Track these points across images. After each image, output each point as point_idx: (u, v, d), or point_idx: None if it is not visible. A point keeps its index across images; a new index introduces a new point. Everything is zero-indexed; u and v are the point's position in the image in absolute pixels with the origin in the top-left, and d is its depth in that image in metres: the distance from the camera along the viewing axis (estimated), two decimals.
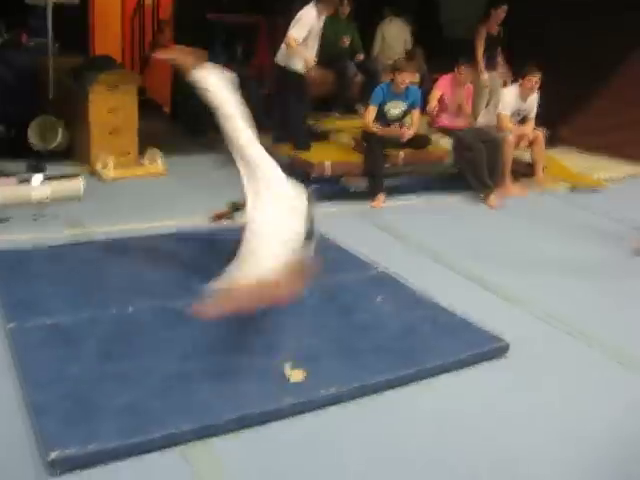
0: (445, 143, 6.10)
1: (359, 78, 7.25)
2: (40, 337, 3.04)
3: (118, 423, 2.45)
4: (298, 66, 5.77)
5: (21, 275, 3.65)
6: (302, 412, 2.69)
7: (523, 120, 6.30)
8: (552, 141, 6.82)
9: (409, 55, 7.51)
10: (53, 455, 2.25)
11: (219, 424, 2.53)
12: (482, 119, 6.41)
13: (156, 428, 2.44)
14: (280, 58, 5.89)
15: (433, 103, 6.25)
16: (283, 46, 5.83)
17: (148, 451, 2.39)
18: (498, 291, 3.98)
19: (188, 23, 8.06)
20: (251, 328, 3.18)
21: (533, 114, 6.29)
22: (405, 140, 5.74)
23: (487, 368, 3.16)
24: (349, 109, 7.27)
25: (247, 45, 8.88)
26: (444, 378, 3.03)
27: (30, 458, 2.34)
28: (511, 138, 6.02)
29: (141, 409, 2.54)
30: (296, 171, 5.59)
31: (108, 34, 8.80)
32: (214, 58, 8.12)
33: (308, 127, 6.24)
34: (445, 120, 6.24)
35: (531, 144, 6.30)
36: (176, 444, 2.44)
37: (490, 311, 3.67)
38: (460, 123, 6.22)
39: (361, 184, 5.59)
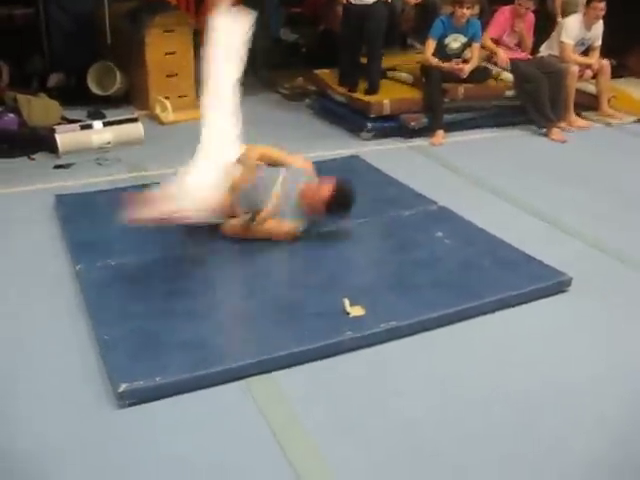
0: (506, 76, 5.92)
1: (410, 12, 7.05)
2: (107, 277, 3.13)
3: (183, 357, 2.53)
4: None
5: (87, 218, 3.74)
6: (362, 346, 2.72)
7: (587, 50, 6.07)
8: (618, 71, 6.54)
9: None
10: (122, 387, 2.35)
11: (281, 357, 2.57)
12: (544, 49, 6.19)
13: (220, 361, 2.51)
14: None
15: (488, 43, 5.96)
16: None
17: (212, 384, 2.46)
18: (561, 225, 3.90)
19: None
20: (308, 265, 3.22)
21: (598, 43, 6.04)
22: (465, 75, 5.61)
23: (549, 302, 3.12)
24: (404, 45, 7.12)
25: None
26: (505, 312, 3.01)
27: (101, 391, 2.44)
28: (575, 69, 5.81)
29: (205, 344, 2.61)
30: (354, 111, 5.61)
31: None
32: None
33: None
34: (505, 53, 6.01)
35: (596, 75, 6.07)
36: (240, 377, 2.50)
37: (553, 245, 3.62)
38: (520, 55, 6.01)
39: (421, 121, 5.50)
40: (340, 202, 3.41)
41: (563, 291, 3.20)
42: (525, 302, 3.08)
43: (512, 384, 2.57)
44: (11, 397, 2.43)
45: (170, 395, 2.40)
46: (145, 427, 2.30)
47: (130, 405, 2.36)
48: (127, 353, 2.55)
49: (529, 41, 6.09)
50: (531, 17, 6.00)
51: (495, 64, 5.94)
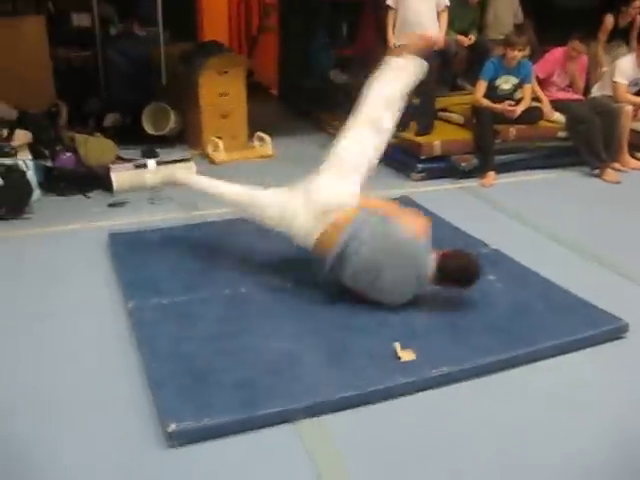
0: (558, 117, 5.87)
1: (462, 53, 7.07)
2: (158, 315, 3.15)
3: (232, 398, 2.52)
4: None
5: (139, 256, 3.79)
6: (413, 391, 2.67)
7: None
8: None
9: (519, 29, 7.25)
10: (171, 427, 2.35)
11: (331, 401, 2.55)
12: (597, 90, 6.13)
13: (269, 404, 2.49)
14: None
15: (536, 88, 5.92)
16: (430, 24, 5.48)
17: (261, 426, 2.45)
18: (615, 269, 3.81)
19: (293, 5, 8.09)
20: (360, 306, 3.20)
21: None
22: (515, 116, 5.59)
23: (605, 349, 3.04)
24: (454, 86, 7.12)
25: (352, 26, 8.83)
26: (559, 359, 2.94)
27: (150, 430, 2.44)
28: (629, 108, 5.74)
29: (254, 385, 2.60)
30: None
31: (216, 20, 8.97)
32: (319, 40, 8.23)
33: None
34: (557, 93, 5.98)
35: None
36: (288, 420, 2.48)
37: (607, 290, 3.53)
38: (573, 95, 5.96)
39: (472, 162, 5.47)
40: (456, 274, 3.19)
41: (620, 337, 3.11)
42: (580, 348, 3.01)
43: (566, 433, 2.50)
44: (59, 432, 2.45)
45: (218, 436, 2.39)
46: (192, 468, 2.29)
47: (179, 445, 2.35)
48: (177, 392, 2.55)
49: (581, 83, 6.06)
50: (584, 60, 5.98)
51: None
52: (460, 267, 3.18)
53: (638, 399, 2.71)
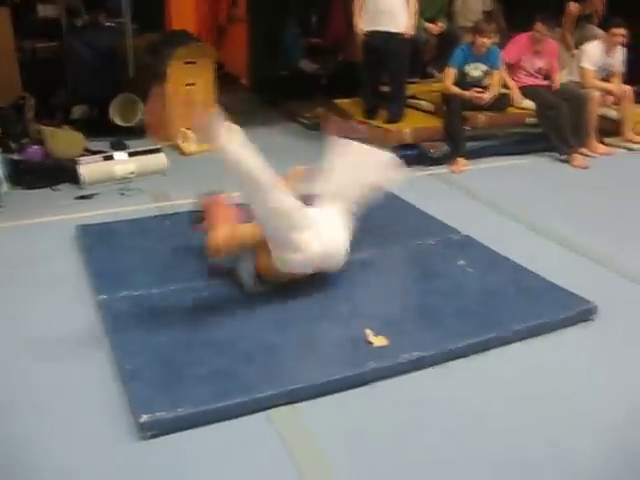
0: (528, 104, 5.90)
1: (432, 41, 7.09)
2: (129, 308, 3.12)
3: (205, 388, 2.51)
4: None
5: (109, 248, 3.76)
6: (386, 377, 2.68)
7: (609, 76, 6.06)
8: None
9: (488, 16, 7.28)
10: (143, 418, 2.33)
11: (305, 388, 2.55)
12: (565, 76, 6.18)
13: (242, 393, 2.48)
14: (392, 24, 5.54)
15: (505, 75, 5.90)
16: (401, 11, 5.53)
17: (235, 416, 2.44)
18: (584, 253, 3.86)
19: None
20: (332, 295, 3.21)
21: (619, 69, 6.04)
22: (485, 103, 5.61)
23: (574, 331, 3.07)
24: (423, 73, 7.14)
25: (322, 15, 8.82)
26: (529, 342, 2.97)
27: (123, 422, 2.42)
28: (596, 94, 5.80)
29: (227, 375, 2.59)
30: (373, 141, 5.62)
31: (183, 10, 8.88)
32: (289, 30, 8.20)
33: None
34: (525, 79, 5.99)
35: (618, 101, 6.06)
36: (262, 409, 2.47)
37: (576, 273, 3.58)
38: (542, 81, 5.98)
39: (441, 149, 5.50)
40: None
41: (589, 319, 3.15)
42: (550, 331, 3.04)
43: (538, 414, 2.53)
44: (30, 427, 2.42)
45: (192, 426, 2.38)
46: (166, 459, 2.28)
47: (152, 437, 2.34)
48: (149, 384, 2.53)
49: (555, 67, 6.01)
50: (552, 45, 5.98)
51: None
52: None
53: (606, 380, 2.75)
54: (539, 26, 5.81)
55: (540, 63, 5.95)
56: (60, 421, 2.46)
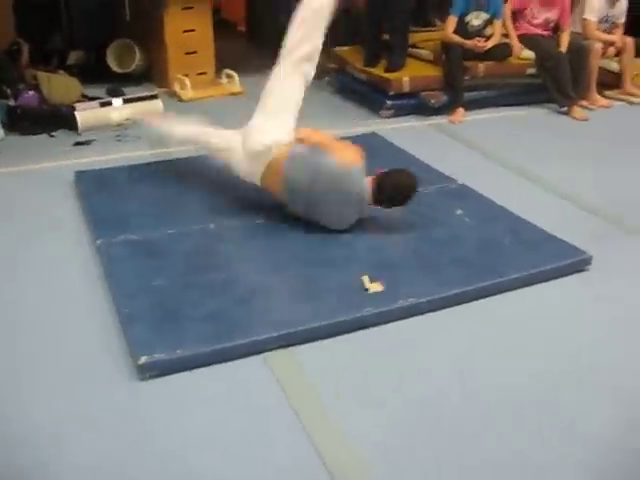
0: (528, 54, 5.83)
1: None
2: (127, 252, 3.14)
3: (203, 330, 2.54)
4: None
5: (107, 193, 3.76)
6: (381, 322, 2.71)
7: (611, 27, 5.98)
8: None
9: None
10: (142, 360, 2.36)
11: (300, 332, 2.58)
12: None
13: (239, 335, 2.52)
14: None
15: (508, 23, 5.75)
16: None
17: (231, 358, 2.48)
18: (581, 204, 3.87)
19: None
20: (329, 241, 3.23)
21: (622, 20, 5.94)
22: (484, 51, 5.55)
23: (569, 280, 3.10)
24: (425, 22, 7.04)
25: None
26: (524, 290, 2.99)
27: (122, 364, 2.46)
28: (598, 46, 5.73)
29: (225, 318, 2.63)
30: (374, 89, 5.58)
31: None
32: None
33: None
34: (528, 28, 5.90)
35: (619, 53, 5.99)
36: (258, 351, 2.51)
37: (572, 224, 3.58)
38: (543, 32, 5.89)
39: (441, 98, 5.46)
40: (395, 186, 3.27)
41: (583, 270, 3.17)
42: (545, 280, 3.06)
43: (530, 361, 2.56)
44: (29, 370, 2.46)
45: (190, 368, 2.42)
46: (165, 399, 2.32)
47: (150, 377, 2.37)
48: (148, 326, 2.57)
49: (565, 32, 5.75)
50: None
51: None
52: (396, 184, 3.27)
53: (599, 329, 2.78)
54: None
55: (549, 14, 5.80)
56: (58, 363, 2.50)
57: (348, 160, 3.24)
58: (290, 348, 2.55)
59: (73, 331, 2.68)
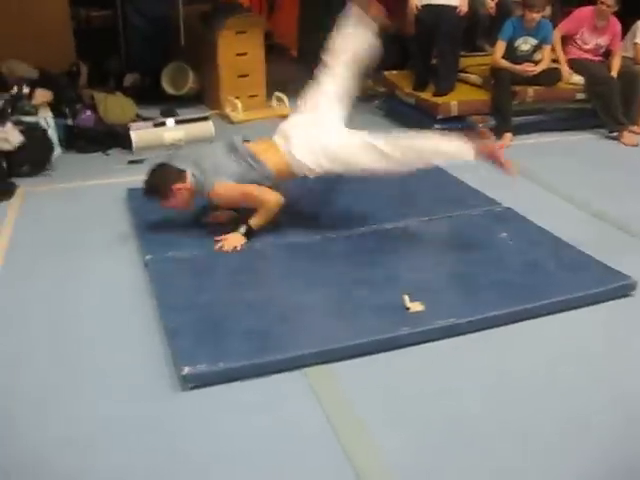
0: (578, 80, 5.81)
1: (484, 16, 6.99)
2: (174, 268, 3.24)
3: (245, 345, 2.61)
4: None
5: (156, 210, 3.83)
6: (420, 342, 2.74)
7: None
8: None
9: None
10: (185, 370, 2.44)
11: (339, 349, 2.63)
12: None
13: (279, 350, 2.58)
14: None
15: (558, 48, 5.75)
16: None
17: (271, 372, 2.53)
18: (626, 230, 3.83)
19: None
20: (370, 261, 3.27)
21: None
22: (533, 76, 5.56)
23: (612, 306, 3.07)
24: (474, 47, 7.07)
25: None
26: (566, 315, 2.98)
27: (166, 375, 2.54)
28: None
29: (266, 333, 2.69)
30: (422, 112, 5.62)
31: None
32: (338, 1, 8.18)
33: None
34: (577, 52, 5.88)
35: None
36: (297, 367, 2.56)
37: (618, 250, 3.55)
38: (593, 57, 5.87)
39: (489, 123, 5.47)
40: None
41: (628, 295, 3.15)
42: (588, 305, 3.05)
43: (568, 385, 2.56)
44: (76, 380, 2.55)
45: (231, 380, 2.48)
46: (206, 410, 2.38)
47: (193, 389, 2.45)
48: (192, 339, 2.64)
49: (616, 58, 5.74)
50: (616, 23, 5.73)
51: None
52: None
53: (637, 356, 2.75)
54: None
55: (599, 40, 5.79)
56: (104, 370, 2.59)
57: None
58: (328, 364, 2.60)
59: (121, 343, 2.77)
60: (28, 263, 3.41)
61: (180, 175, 3.45)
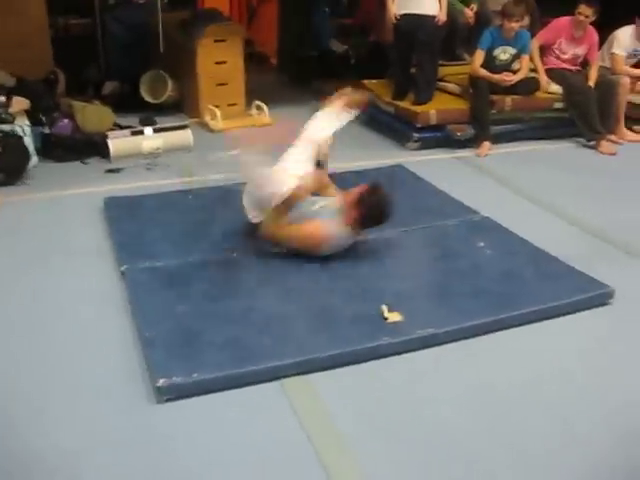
0: (556, 89, 5.84)
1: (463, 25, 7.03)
2: (151, 278, 3.21)
3: (221, 356, 2.58)
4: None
5: (134, 220, 3.84)
6: (399, 352, 2.73)
7: (639, 62, 5.98)
8: None
9: None
10: (160, 382, 2.41)
11: (317, 360, 2.61)
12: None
13: (256, 361, 2.55)
14: (423, 7, 5.49)
15: (535, 56, 5.78)
16: None
17: (248, 383, 2.51)
18: (605, 238, 3.85)
19: None
20: (349, 271, 3.25)
21: None
22: (511, 85, 5.58)
23: (590, 314, 3.08)
24: (453, 56, 7.10)
25: None
26: (544, 324, 2.99)
27: (141, 386, 2.51)
28: (626, 80, 5.72)
29: (243, 344, 2.66)
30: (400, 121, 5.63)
31: None
32: (319, 10, 8.20)
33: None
34: (554, 62, 5.92)
35: None
36: (275, 378, 2.54)
37: (596, 258, 3.57)
38: (570, 66, 5.91)
39: (467, 132, 5.49)
40: (373, 205, 3.30)
41: (605, 304, 3.16)
42: (566, 314, 3.05)
43: (546, 395, 2.56)
44: (51, 391, 2.51)
45: (207, 392, 2.46)
46: (181, 422, 2.35)
47: (168, 400, 2.41)
48: (167, 350, 2.61)
49: (594, 67, 5.79)
50: (593, 34, 5.76)
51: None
52: (376, 203, 3.31)
53: (619, 364, 2.76)
54: (583, 8, 5.58)
55: (577, 49, 5.83)
56: (78, 384, 2.55)
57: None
58: (307, 375, 2.58)
59: (96, 354, 2.73)
60: (1, 274, 3.36)
61: None
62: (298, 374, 2.57)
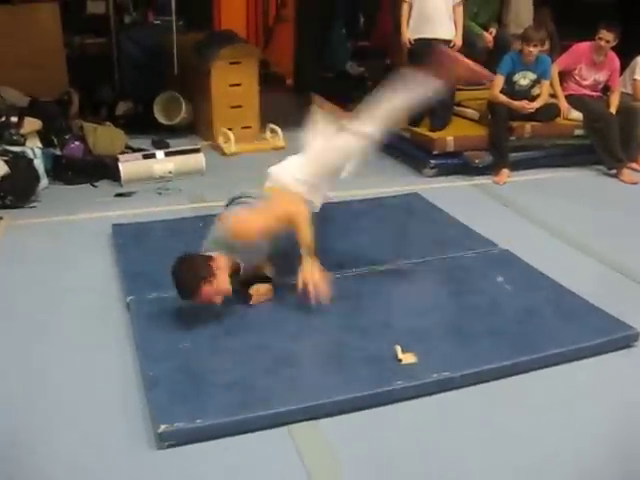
0: (577, 115, 5.72)
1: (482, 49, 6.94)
2: (157, 310, 3.10)
3: (226, 399, 2.46)
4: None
5: (142, 248, 3.75)
6: (413, 396, 2.60)
7: None
8: None
9: (537, 20, 7.10)
10: (162, 428, 2.29)
11: (327, 405, 2.48)
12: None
13: (263, 406, 2.43)
14: (438, 31, 5.42)
15: (555, 82, 5.68)
16: (446, 18, 5.43)
17: (254, 429, 2.39)
18: (629, 275, 3.71)
19: None
20: (362, 307, 3.14)
21: None
22: (530, 112, 5.47)
23: (614, 357, 2.94)
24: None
25: (369, 17, 8.74)
26: (565, 367, 2.85)
27: (141, 429, 2.40)
28: None
29: (249, 387, 2.54)
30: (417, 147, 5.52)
31: (233, 9, 8.90)
32: (336, 32, 8.15)
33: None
34: (575, 88, 5.80)
35: None
36: (282, 423, 2.42)
37: (620, 296, 3.43)
38: (591, 92, 5.79)
39: (485, 159, 5.37)
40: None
41: (630, 346, 3.02)
42: (587, 357, 2.91)
43: (567, 443, 2.42)
44: (49, 428, 2.41)
45: (210, 438, 2.34)
46: (183, 470, 2.23)
47: (169, 447, 2.30)
48: (170, 392, 2.50)
49: (615, 94, 5.67)
50: (614, 59, 5.65)
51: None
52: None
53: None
54: (604, 33, 5.47)
55: (598, 75, 5.71)
56: (77, 422, 2.45)
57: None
58: (315, 421, 2.46)
59: (97, 391, 2.62)
60: (3, 301, 3.27)
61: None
62: (306, 419, 2.45)
